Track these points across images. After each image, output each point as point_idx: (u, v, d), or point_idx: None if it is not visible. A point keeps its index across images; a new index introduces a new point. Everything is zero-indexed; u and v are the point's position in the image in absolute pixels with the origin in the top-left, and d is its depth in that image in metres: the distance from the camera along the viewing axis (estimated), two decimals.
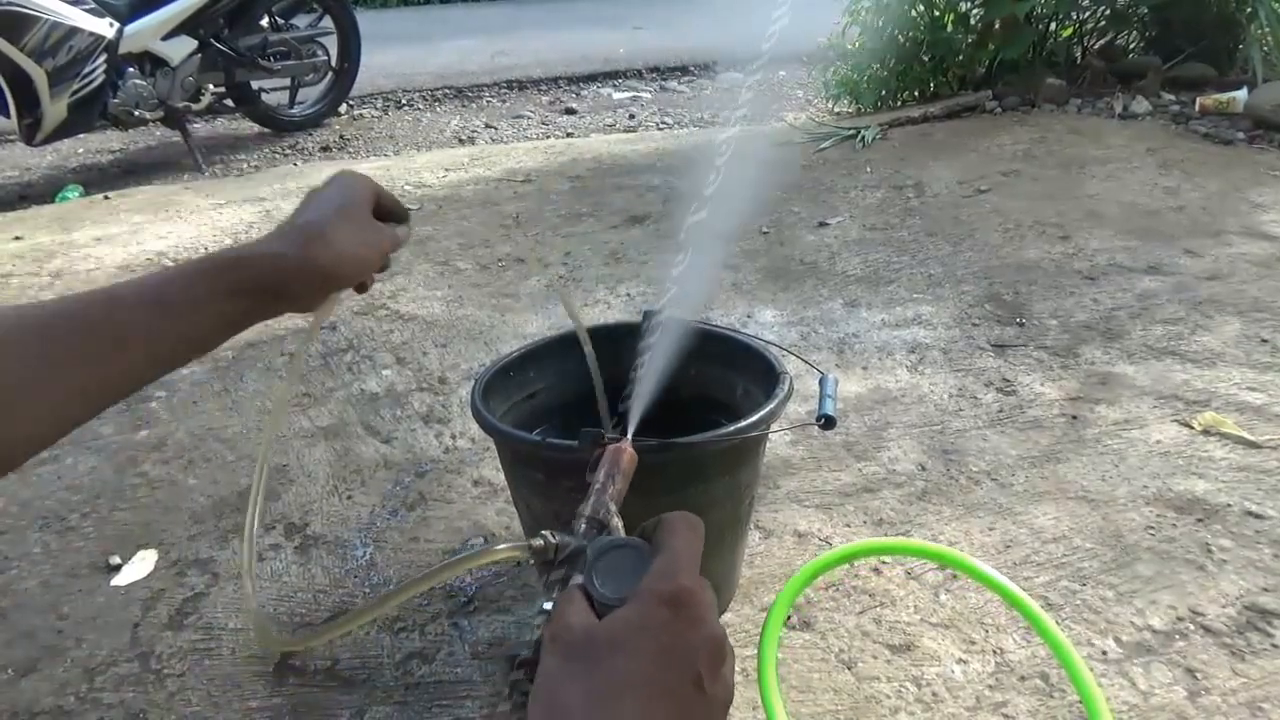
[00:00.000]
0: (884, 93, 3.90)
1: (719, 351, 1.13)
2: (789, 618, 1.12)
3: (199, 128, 4.51)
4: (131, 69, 3.49)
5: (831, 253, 2.36)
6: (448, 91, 5.25)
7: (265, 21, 4.01)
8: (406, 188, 3.16)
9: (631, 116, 4.60)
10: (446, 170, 3.36)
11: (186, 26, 3.60)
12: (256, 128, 4.42)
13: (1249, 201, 2.53)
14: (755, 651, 0.74)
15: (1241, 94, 3.25)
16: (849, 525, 1.31)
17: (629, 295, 2.15)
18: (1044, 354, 1.78)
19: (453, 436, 1.60)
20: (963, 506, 1.34)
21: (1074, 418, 1.55)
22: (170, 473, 1.53)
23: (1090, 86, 3.74)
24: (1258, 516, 1.26)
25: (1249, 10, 3.58)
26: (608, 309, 2.09)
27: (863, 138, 3.34)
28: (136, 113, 3.53)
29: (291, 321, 1.67)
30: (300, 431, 1.64)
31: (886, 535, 1.28)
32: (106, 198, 3.24)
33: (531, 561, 0.50)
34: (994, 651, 1.06)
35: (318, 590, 1.23)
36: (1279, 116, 3.08)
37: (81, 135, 3.91)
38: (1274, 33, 3.47)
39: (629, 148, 3.57)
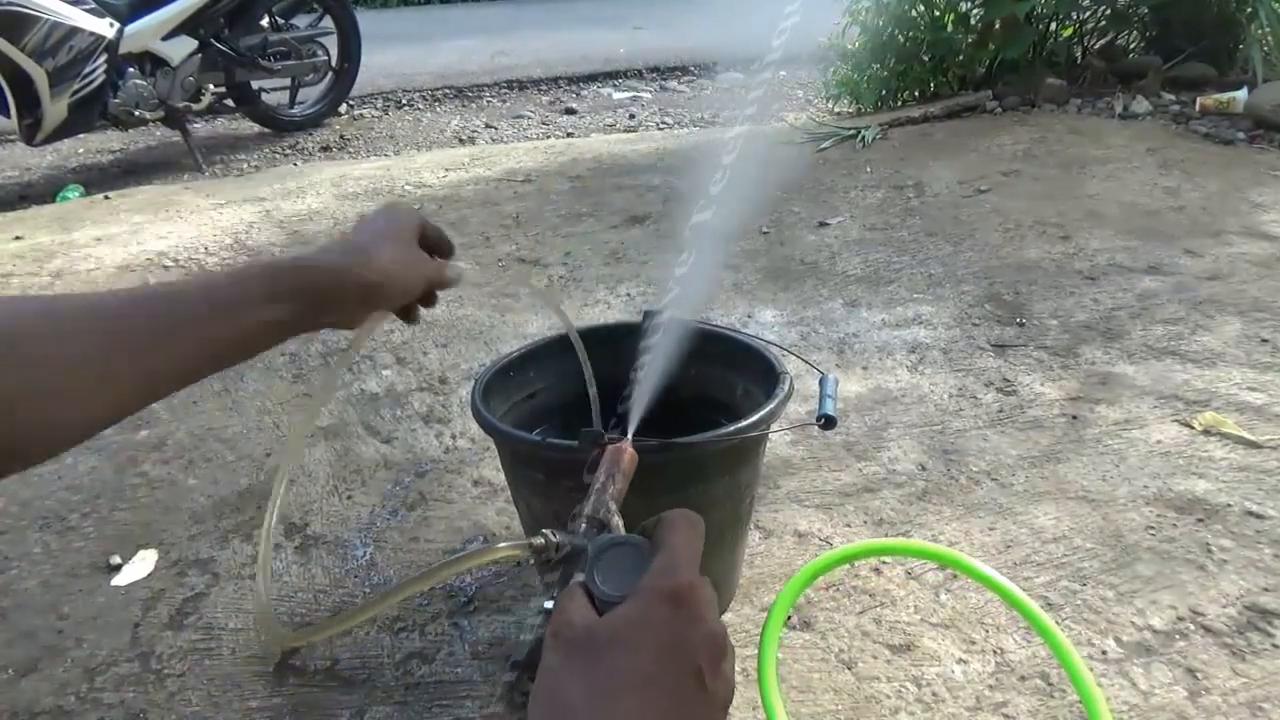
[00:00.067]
0: (884, 93, 3.90)
1: (719, 351, 1.13)
2: (789, 618, 1.12)
3: (199, 128, 4.51)
4: (132, 69, 3.49)
5: (832, 253, 2.36)
6: (448, 91, 5.25)
7: (265, 21, 4.01)
8: (407, 188, 3.16)
9: (632, 116, 4.60)
10: (447, 170, 3.36)
11: (187, 26, 3.60)
12: (256, 128, 4.42)
13: (1249, 201, 2.53)
14: (755, 651, 0.74)
15: (1242, 94, 3.25)
16: (849, 525, 1.31)
17: (629, 295, 2.15)
18: (1044, 354, 1.78)
19: (453, 436, 1.60)
20: (963, 506, 1.34)
21: (1074, 418, 1.55)
22: (170, 473, 1.53)
23: (1090, 86, 3.74)
24: (1258, 516, 1.26)
25: (1249, 10, 3.58)
26: (608, 309, 2.09)
27: (863, 138, 3.33)
28: (137, 113, 3.53)
29: None
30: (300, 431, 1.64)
31: (887, 535, 1.28)
32: (107, 198, 3.24)
33: (531, 561, 0.50)
34: (994, 651, 1.06)
35: (318, 590, 1.23)
36: (1279, 116, 3.08)
37: (82, 135, 3.91)
38: (1274, 33, 3.47)
39: (629, 148, 3.57)
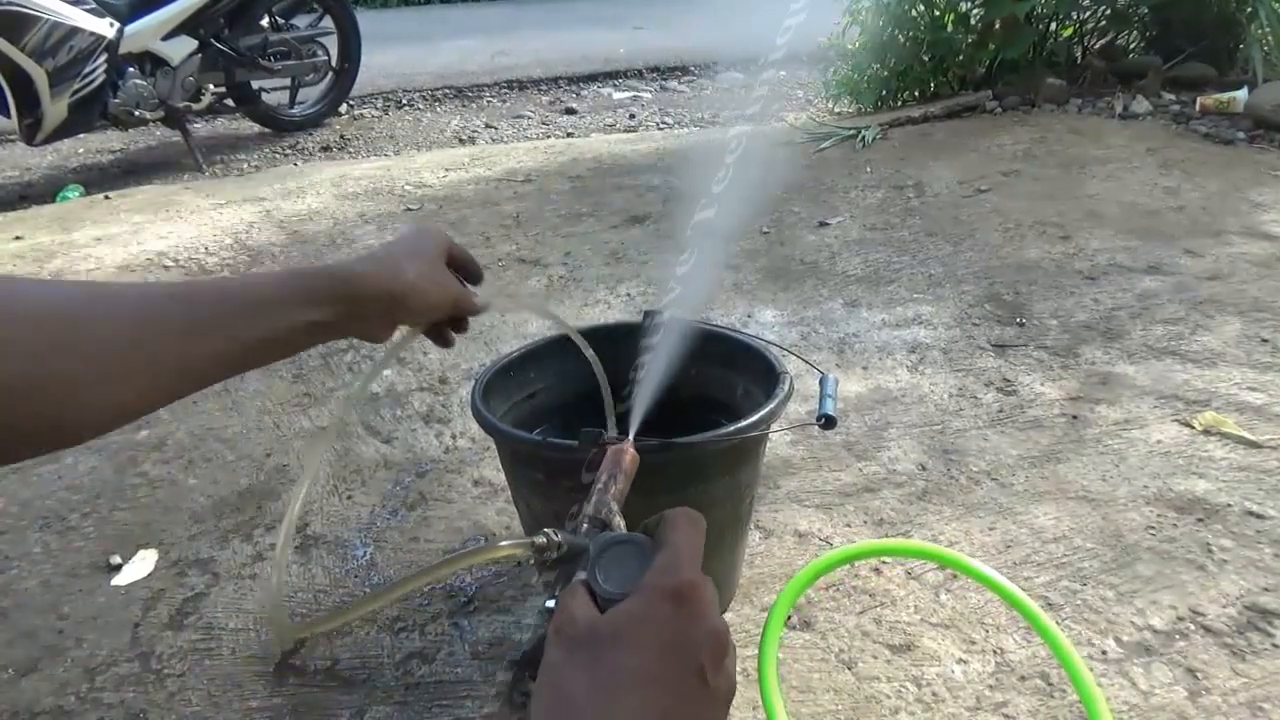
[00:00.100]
0: (884, 93, 3.90)
1: (719, 351, 1.13)
2: (789, 617, 1.12)
3: (199, 128, 4.51)
4: (132, 69, 3.49)
5: (832, 253, 2.36)
6: (448, 91, 5.25)
7: (265, 21, 4.01)
8: (407, 188, 3.16)
9: (632, 116, 4.60)
10: (447, 170, 3.36)
11: (187, 26, 3.60)
12: (257, 128, 4.42)
13: (1249, 201, 2.53)
14: (756, 651, 0.74)
15: (1242, 94, 3.25)
16: (849, 525, 1.31)
17: (629, 295, 2.15)
18: (1044, 354, 1.78)
19: (453, 436, 1.60)
20: (963, 506, 1.34)
21: (1074, 418, 1.55)
22: (170, 473, 1.53)
23: (1090, 86, 3.74)
24: (1258, 516, 1.26)
25: (1249, 10, 3.58)
26: (608, 309, 2.09)
27: (863, 138, 3.34)
28: (137, 113, 3.53)
29: None
30: (300, 431, 1.64)
31: (887, 535, 1.28)
32: (107, 198, 3.24)
33: (532, 561, 0.50)
34: (994, 651, 1.06)
35: (318, 590, 1.23)
36: (1279, 116, 3.08)
37: (82, 135, 3.91)
38: (1274, 32, 3.47)
39: (629, 148, 3.57)
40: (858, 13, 3.78)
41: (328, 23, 4.32)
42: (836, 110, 4.08)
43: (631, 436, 0.71)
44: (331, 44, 4.34)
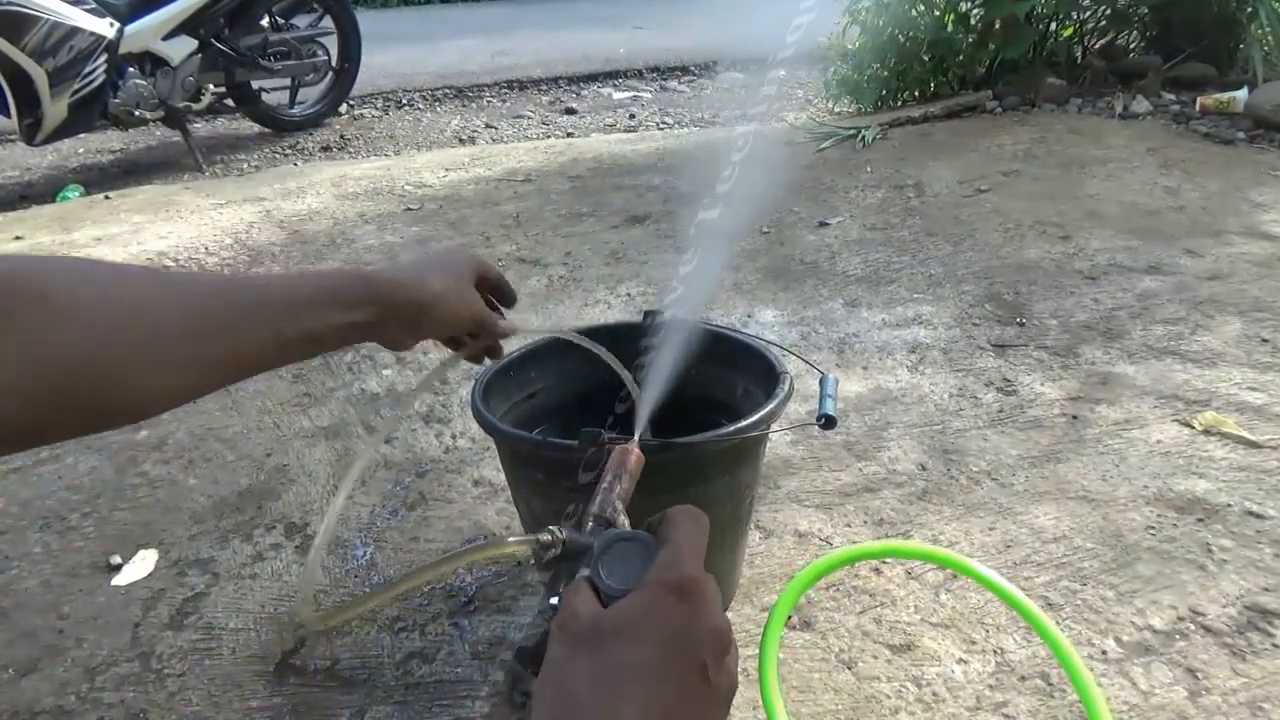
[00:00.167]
0: (884, 92, 3.90)
1: (719, 351, 1.13)
2: (789, 617, 1.12)
3: (199, 128, 4.51)
4: (132, 69, 3.49)
5: (832, 252, 2.36)
6: (448, 91, 5.25)
7: (265, 21, 4.01)
8: (407, 188, 3.16)
9: (632, 116, 4.60)
10: (447, 170, 3.36)
11: (187, 26, 3.60)
12: (257, 128, 4.42)
13: (1249, 201, 2.53)
14: (756, 651, 0.74)
15: (1242, 94, 3.25)
16: (849, 525, 1.31)
17: (629, 295, 2.15)
18: (1044, 354, 1.78)
19: (453, 436, 1.60)
20: (963, 506, 1.34)
21: (1074, 418, 1.55)
22: (171, 473, 1.53)
23: (1091, 86, 3.74)
24: (1258, 516, 1.26)
25: (1249, 10, 3.58)
26: (608, 309, 2.09)
27: (863, 138, 3.34)
28: (137, 113, 3.53)
29: None
30: (300, 431, 1.64)
31: (887, 535, 1.28)
32: (107, 197, 3.24)
33: (532, 561, 0.51)
34: (994, 651, 1.06)
35: (318, 590, 1.23)
36: (1279, 116, 3.08)
37: (82, 135, 3.91)
38: (1274, 32, 3.47)
39: (629, 147, 3.58)
40: (858, 13, 3.78)
41: (328, 23, 4.32)
42: (836, 110, 4.08)
43: (637, 437, 0.71)
44: (331, 44, 4.34)
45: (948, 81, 3.90)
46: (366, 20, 4.69)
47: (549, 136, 4.22)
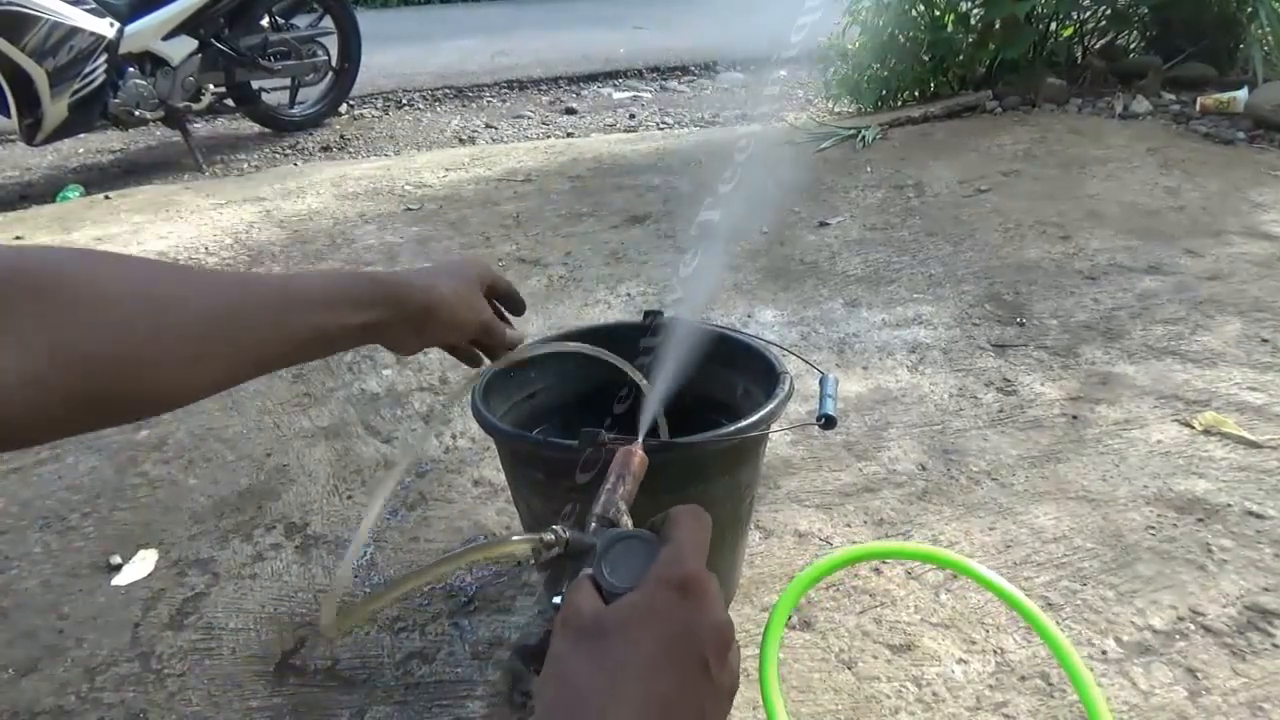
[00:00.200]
0: (884, 93, 3.90)
1: (719, 351, 1.13)
2: (789, 617, 1.12)
3: (199, 128, 4.51)
4: (132, 69, 3.49)
5: (832, 252, 2.36)
6: (448, 91, 5.25)
7: (265, 21, 4.01)
8: (407, 188, 3.16)
9: (632, 116, 4.60)
10: (447, 170, 3.36)
11: (187, 26, 3.60)
12: (257, 128, 4.42)
13: (1249, 201, 2.53)
14: (756, 651, 0.74)
15: (1242, 94, 3.26)
16: (849, 525, 1.31)
17: (629, 295, 2.15)
18: (1044, 354, 1.78)
19: (453, 436, 1.60)
20: (963, 506, 1.34)
21: (1074, 418, 1.55)
22: (171, 472, 1.53)
23: (1091, 86, 3.74)
24: (1258, 516, 1.26)
25: (1249, 10, 3.58)
26: (608, 309, 2.09)
27: (863, 138, 3.34)
28: (137, 113, 3.53)
29: None
30: (300, 431, 1.64)
31: (887, 535, 1.28)
32: (107, 197, 3.24)
33: (532, 561, 0.51)
34: (994, 651, 1.06)
35: (318, 590, 1.23)
36: (1279, 116, 3.08)
37: (82, 135, 3.91)
38: (1274, 32, 3.47)
39: (629, 147, 3.58)
40: (858, 13, 3.78)
41: (328, 23, 4.33)
42: (836, 110, 4.08)
43: (641, 439, 0.72)
44: (331, 44, 4.34)
45: (948, 81, 3.90)
46: (366, 20, 4.69)
47: (549, 136, 4.22)
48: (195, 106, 3.82)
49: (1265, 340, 1.76)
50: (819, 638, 1.09)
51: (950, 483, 1.39)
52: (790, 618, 1.12)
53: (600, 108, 4.86)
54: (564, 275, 2.30)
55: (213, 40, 3.73)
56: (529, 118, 4.69)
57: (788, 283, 2.19)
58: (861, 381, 1.71)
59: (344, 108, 4.75)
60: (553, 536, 0.52)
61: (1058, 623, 1.09)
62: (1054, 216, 2.50)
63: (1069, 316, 1.93)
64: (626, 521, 0.58)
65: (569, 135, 4.22)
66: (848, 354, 1.83)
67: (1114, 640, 1.06)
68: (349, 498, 1.44)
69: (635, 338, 0.94)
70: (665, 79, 5.48)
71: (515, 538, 0.53)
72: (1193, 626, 1.08)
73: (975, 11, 3.85)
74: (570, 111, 4.78)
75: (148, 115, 3.58)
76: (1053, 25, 3.98)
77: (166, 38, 3.56)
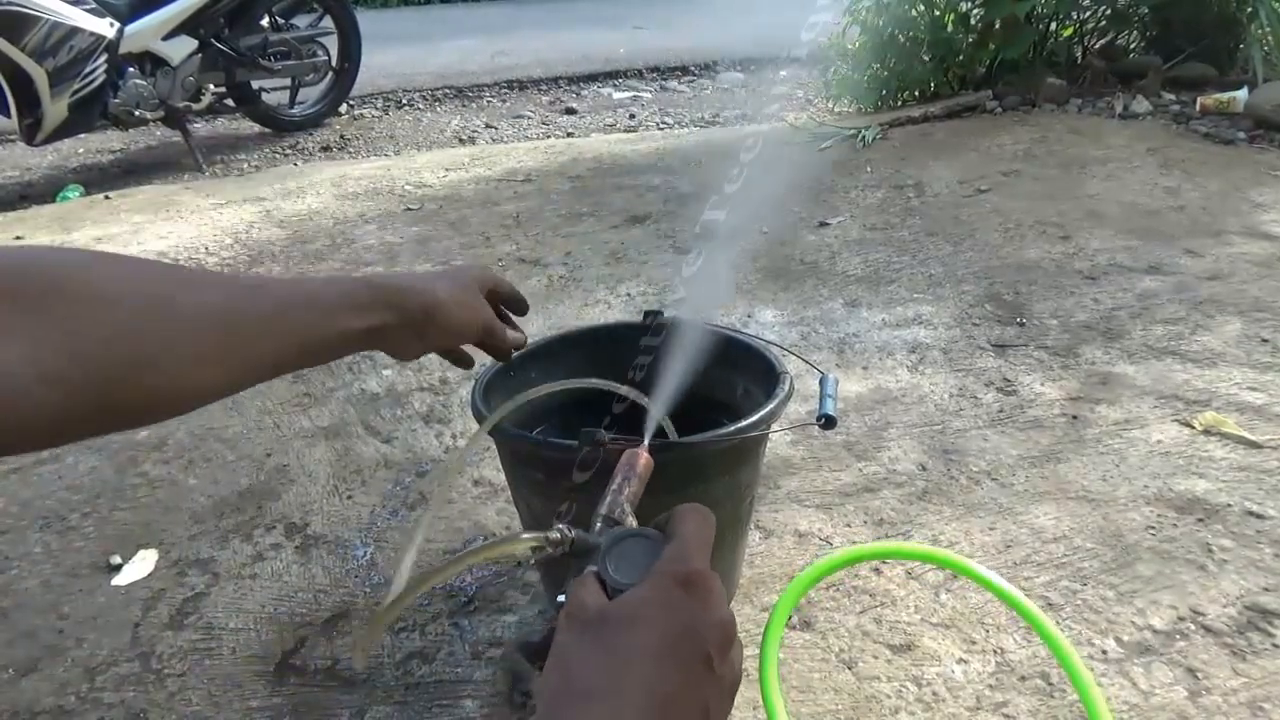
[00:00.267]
0: (884, 93, 3.91)
1: (719, 351, 1.13)
2: (789, 617, 1.12)
3: (199, 128, 4.51)
4: (132, 69, 3.49)
5: (832, 252, 2.36)
6: (448, 91, 5.25)
7: (265, 21, 4.02)
8: (407, 188, 3.16)
9: (632, 116, 4.60)
10: (447, 170, 3.36)
11: (187, 26, 3.60)
12: (257, 128, 4.42)
13: (1250, 201, 2.53)
14: (756, 651, 0.74)
15: (1242, 94, 3.26)
16: (849, 525, 1.31)
17: (629, 295, 2.15)
18: (1044, 354, 1.78)
19: (453, 436, 1.60)
20: (963, 506, 1.34)
21: (1074, 418, 1.55)
22: (171, 473, 1.53)
23: (1091, 86, 3.74)
24: (1258, 516, 1.26)
25: (1249, 10, 3.58)
26: (608, 309, 2.09)
27: (863, 138, 3.34)
28: (137, 113, 3.53)
29: None
30: (300, 431, 1.64)
31: (887, 535, 1.28)
32: (107, 197, 3.24)
33: (532, 561, 0.51)
34: (994, 651, 1.06)
35: (318, 590, 1.23)
36: (1279, 116, 3.08)
37: (82, 135, 3.91)
38: (1274, 32, 3.47)
39: (629, 147, 3.58)
40: (858, 13, 3.78)
41: (328, 23, 4.33)
42: (836, 110, 4.08)
43: (647, 441, 0.72)
44: (331, 44, 4.34)
45: (948, 81, 3.90)
46: (366, 20, 4.69)
47: (549, 136, 4.22)
48: (195, 106, 3.82)
49: (1265, 340, 1.76)
50: (819, 638, 1.09)
51: (950, 483, 1.39)
52: (790, 618, 1.12)
53: (600, 108, 4.86)
54: (564, 275, 2.30)
55: (213, 40, 3.73)
56: (529, 118, 4.69)
57: (788, 283, 2.19)
58: (861, 381, 1.71)
59: (344, 108, 4.75)
60: (559, 535, 0.52)
61: (1058, 623, 1.09)
62: (1054, 216, 2.50)
63: (1069, 316, 1.93)
64: (631, 522, 0.59)
65: (569, 135, 4.22)
66: (848, 354, 1.83)
67: (1114, 640, 1.06)
68: (349, 498, 1.44)
69: (635, 338, 0.94)
70: (665, 79, 5.48)
71: (524, 536, 0.53)
72: (1193, 626, 1.08)
73: (975, 11, 3.85)
74: (570, 111, 4.78)
75: (148, 115, 3.58)
76: (1053, 25, 3.98)
77: (166, 38, 3.56)
